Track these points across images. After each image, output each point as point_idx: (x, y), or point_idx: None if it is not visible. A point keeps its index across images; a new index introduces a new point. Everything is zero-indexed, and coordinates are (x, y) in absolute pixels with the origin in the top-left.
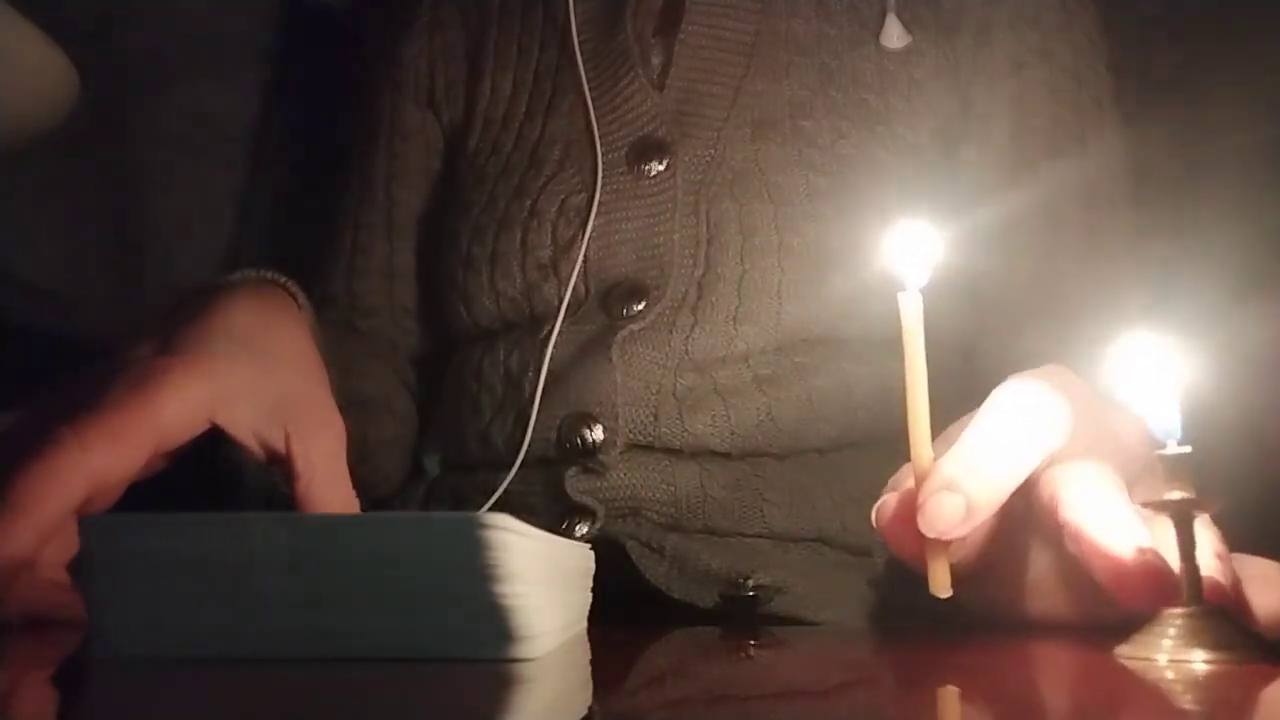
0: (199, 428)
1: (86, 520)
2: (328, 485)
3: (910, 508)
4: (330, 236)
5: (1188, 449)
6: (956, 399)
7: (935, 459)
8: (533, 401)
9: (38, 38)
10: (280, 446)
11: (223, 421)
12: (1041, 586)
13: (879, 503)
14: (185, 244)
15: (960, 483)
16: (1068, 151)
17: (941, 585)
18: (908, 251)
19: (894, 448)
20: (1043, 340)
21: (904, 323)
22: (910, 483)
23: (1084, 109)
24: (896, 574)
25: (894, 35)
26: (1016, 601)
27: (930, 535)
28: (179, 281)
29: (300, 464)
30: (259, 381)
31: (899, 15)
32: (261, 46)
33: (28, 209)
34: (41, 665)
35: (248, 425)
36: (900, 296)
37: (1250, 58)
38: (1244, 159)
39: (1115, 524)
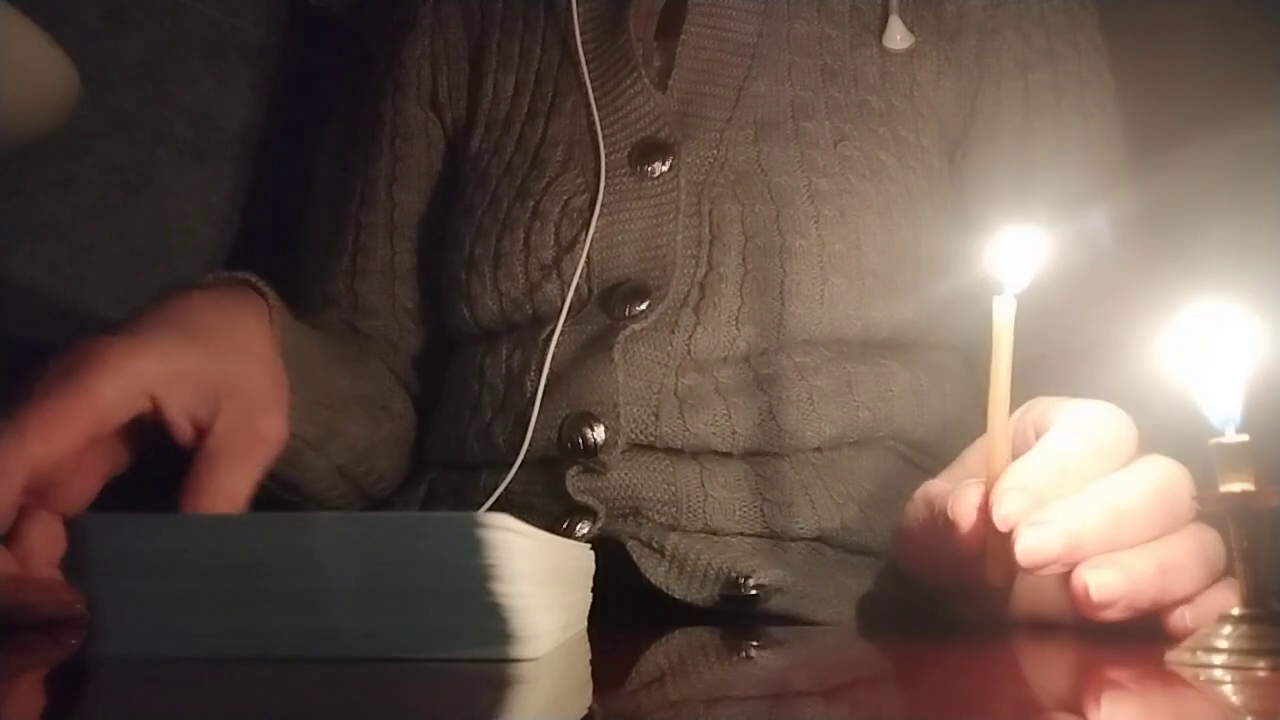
0: (139, 405)
1: (86, 520)
2: (226, 471)
3: (987, 501)
4: (331, 236)
5: (1245, 438)
6: (956, 398)
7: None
8: (534, 401)
9: (39, 38)
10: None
11: (160, 399)
12: (1034, 586)
13: (955, 492)
14: (187, 244)
15: (1033, 487)
16: (1072, 154)
17: (998, 577)
18: (1009, 256)
19: (893, 448)
20: (1046, 344)
21: (995, 326)
22: (943, 487)
23: (1089, 111)
24: (898, 574)
25: (896, 36)
26: (1009, 602)
27: (1000, 527)
28: (182, 283)
29: (212, 442)
30: (202, 366)
31: (901, 17)
32: (262, 46)
33: (30, 210)
34: (41, 665)
35: (182, 406)
36: (995, 300)
37: (1242, 55)
38: (1237, 159)
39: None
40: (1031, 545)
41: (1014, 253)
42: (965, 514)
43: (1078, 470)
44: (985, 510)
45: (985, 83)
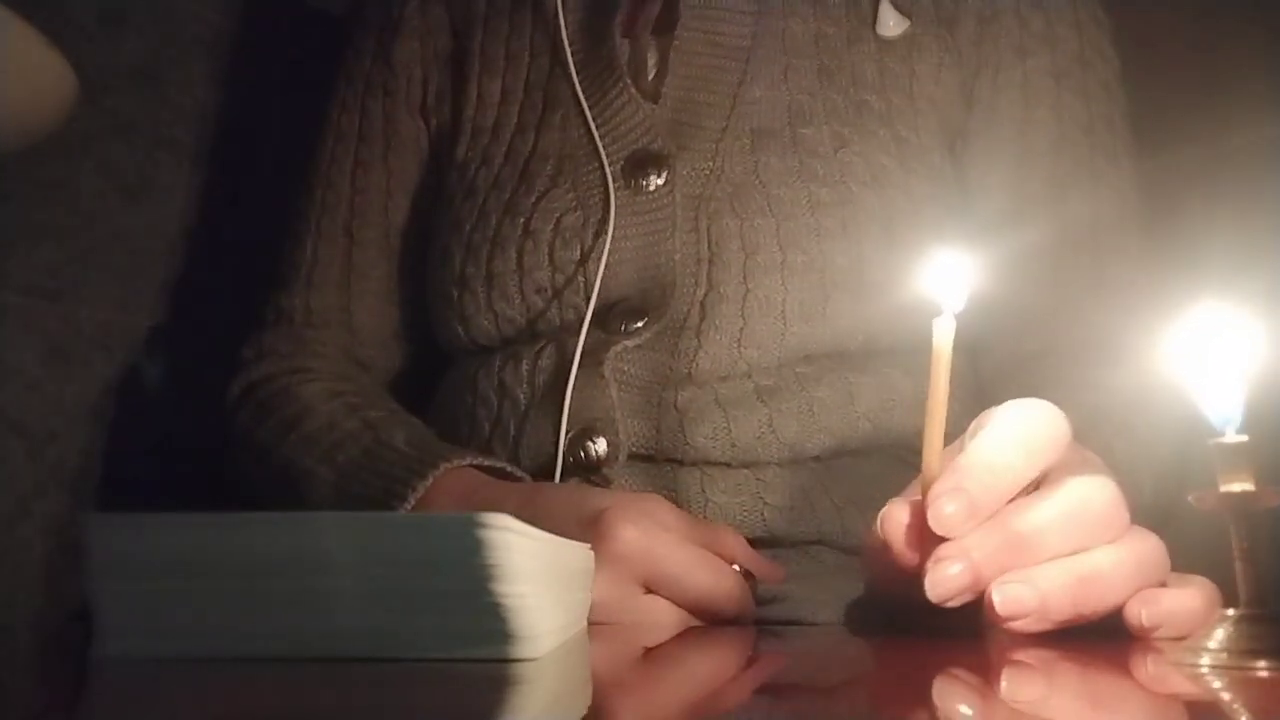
0: None
1: (87, 520)
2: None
3: (919, 515)
4: (320, 246)
5: (1245, 438)
6: (960, 401)
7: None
8: (527, 416)
9: (37, 39)
10: None
11: None
12: None
13: (885, 514)
14: (187, 248)
15: (966, 487)
16: (1073, 142)
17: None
18: (945, 277)
19: (895, 454)
20: (1042, 340)
21: (934, 346)
22: (915, 495)
23: (1091, 94)
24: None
25: (889, 22)
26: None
27: (938, 531)
28: (179, 285)
29: None
30: None
31: (894, 2)
32: (261, 48)
33: (28, 212)
34: (42, 665)
35: None
36: (935, 321)
37: (1242, 56)
38: (1244, 158)
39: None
40: (939, 579)
41: (951, 274)
42: (894, 532)
43: (1006, 466)
44: (916, 527)
45: (983, 71)
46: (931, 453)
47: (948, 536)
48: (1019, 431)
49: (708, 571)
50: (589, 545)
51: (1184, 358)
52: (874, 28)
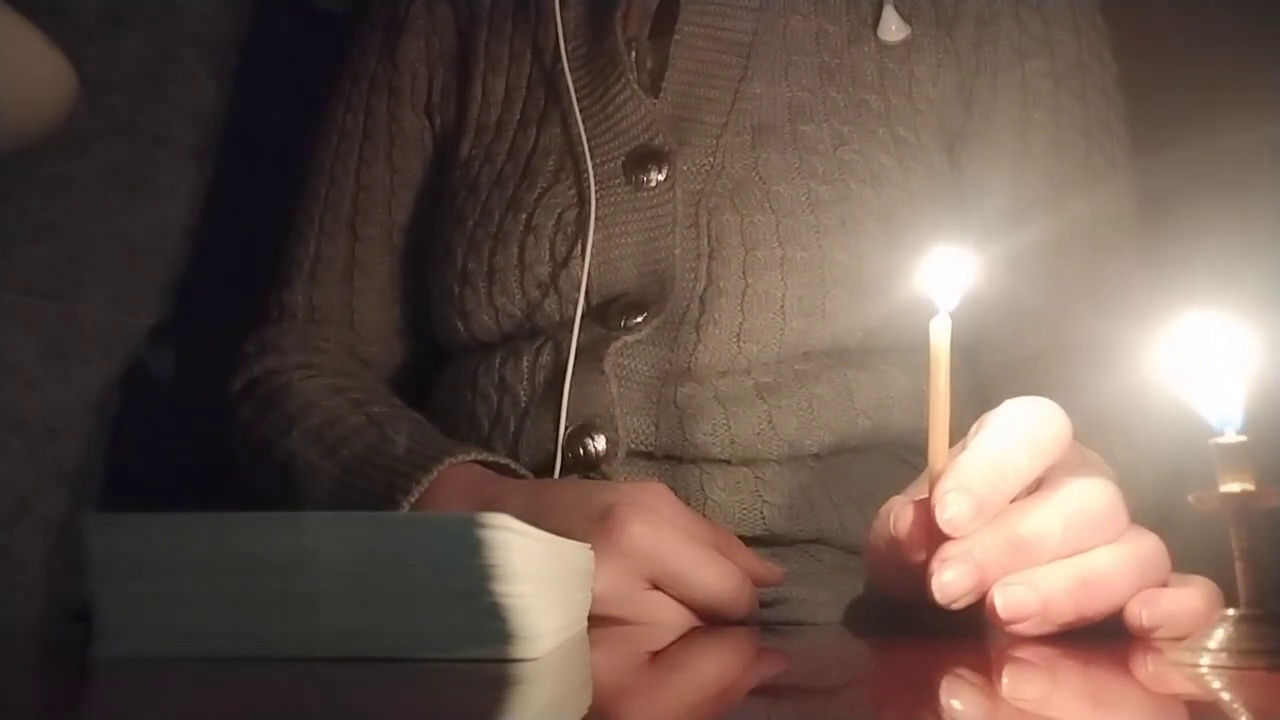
0: None
1: (87, 520)
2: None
3: (923, 514)
4: (322, 243)
5: (1244, 438)
6: (958, 399)
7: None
8: (528, 413)
9: (36, 39)
10: None
11: None
12: None
13: (894, 513)
14: (186, 246)
15: (971, 486)
16: (1071, 144)
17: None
18: (940, 276)
19: (893, 452)
20: (1040, 342)
21: (932, 346)
22: (919, 494)
23: (1089, 98)
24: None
25: (891, 27)
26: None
27: (946, 530)
28: (179, 284)
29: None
30: None
31: (897, 8)
32: (261, 47)
33: (27, 211)
34: (42, 665)
35: None
36: (931, 322)
37: (1236, 57)
38: (1239, 158)
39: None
40: (945, 583)
41: (947, 273)
42: (901, 529)
43: (1011, 464)
44: (922, 526)
45: (982, 73)
46: (938, 451)
47: (953, 536)
48: (1023, 430)
49: (715, 570)
50: (589, 545)
51: (1184, 358)
52: (874, 29)
